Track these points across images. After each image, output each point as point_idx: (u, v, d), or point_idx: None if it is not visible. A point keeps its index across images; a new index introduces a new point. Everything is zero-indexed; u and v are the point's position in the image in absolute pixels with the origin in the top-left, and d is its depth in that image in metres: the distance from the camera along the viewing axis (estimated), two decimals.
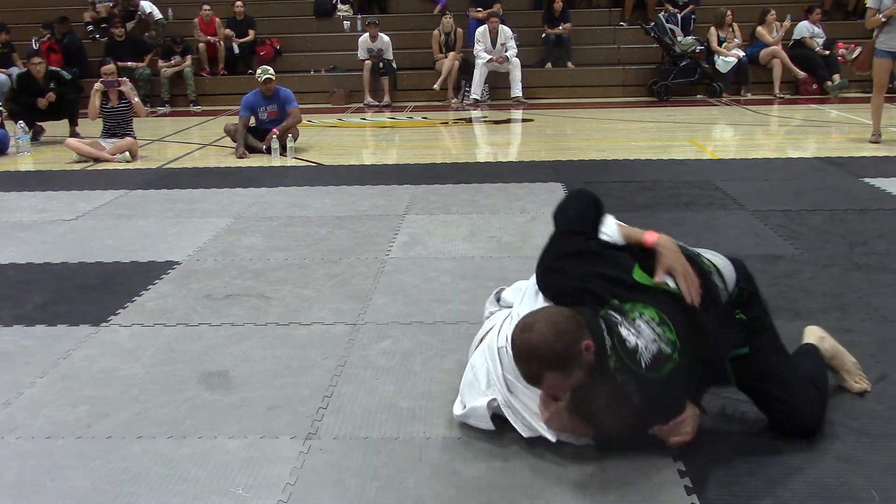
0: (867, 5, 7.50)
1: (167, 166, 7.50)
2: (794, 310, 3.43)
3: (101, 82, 7.83)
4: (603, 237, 2.44)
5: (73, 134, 8.97)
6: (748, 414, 2.55)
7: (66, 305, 3.79)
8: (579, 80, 12.52)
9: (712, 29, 11.94)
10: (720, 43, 11.88)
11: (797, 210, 5.17)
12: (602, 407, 2.20)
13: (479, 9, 12.46)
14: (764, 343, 2.44)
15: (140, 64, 12.25)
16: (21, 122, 8.68)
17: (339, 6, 13.99)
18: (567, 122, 10.03)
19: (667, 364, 2.14)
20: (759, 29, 12.07)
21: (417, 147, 8.44)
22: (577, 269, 2.33)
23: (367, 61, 12.00)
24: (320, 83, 12.61)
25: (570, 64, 12.64)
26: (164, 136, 9.61)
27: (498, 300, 2.91)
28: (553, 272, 2.41)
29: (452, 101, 11.97)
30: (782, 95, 11.82)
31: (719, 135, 8.99)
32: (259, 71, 8.10)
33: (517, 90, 11.78)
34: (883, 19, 7.17)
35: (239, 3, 12.93)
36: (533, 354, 2.15)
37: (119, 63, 10.15)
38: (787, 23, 12.02)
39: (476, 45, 11.77)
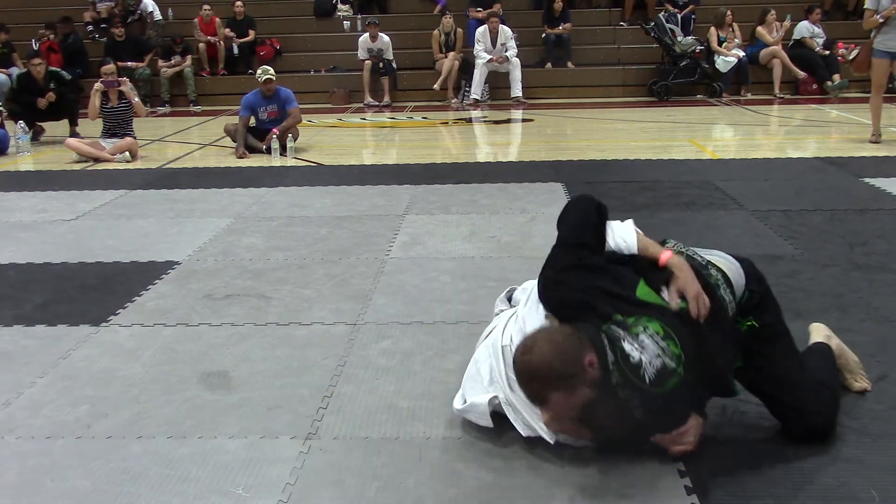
0: (865, 6, 7.50)
1: (167, 166, 7.50)
2: (794, 310, 3.42)
3: (101, 82, 7.83)
4: (619, 241, 2.40)
5: (73, 134, 8.97)
6: (748, 414, 2.55)
7: (66, 305, 3.79)
8: (579, 80, 12.51)
9: (712, 29, 11.94)
10: (720, 43, 11.88)
11: (797, 210, 5.17)
12: (604, 420, 2.19)
13: (479, 9, 12.45)
14: (778, 351, 2.40)
15: (140, 64, 12.26)
16: (21, 122, 8.68)
17: (339, 6, 13.98)
18: (567, 122, 10.03)
19: (671, 378, 2.12)
20: (759, 29, 12.07)
21: (417, 147, 8.44)
22: (580, 281, 2.29)
23: (367, 61, 12.00)
24: (320, 83, 12.61)
25: (570, 64, 12.64)
26: (164, 136, 9.61)
27: (509, 300, 2.90)
28: (555, 284, 2.35)
29: (452, 101, 11.96)
30: (782, 95, 11.82)
31: (719, 135, 8.99)
32: (259, 71, 8.10)
33: (517, 90, 11.78)
34: (881, 20, 7.17)
35: (239, 3, 12.93)
36: (534, 375, 2.12)
37: (119, 63, 10.16)
38: (787, 23, 12.02)
39: (476, 45, 11.77)
